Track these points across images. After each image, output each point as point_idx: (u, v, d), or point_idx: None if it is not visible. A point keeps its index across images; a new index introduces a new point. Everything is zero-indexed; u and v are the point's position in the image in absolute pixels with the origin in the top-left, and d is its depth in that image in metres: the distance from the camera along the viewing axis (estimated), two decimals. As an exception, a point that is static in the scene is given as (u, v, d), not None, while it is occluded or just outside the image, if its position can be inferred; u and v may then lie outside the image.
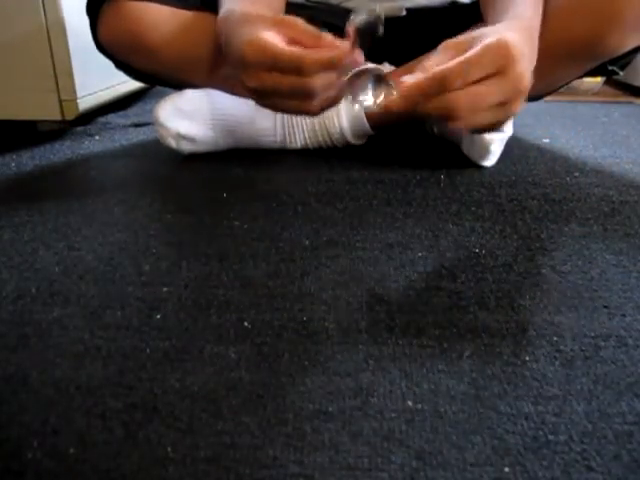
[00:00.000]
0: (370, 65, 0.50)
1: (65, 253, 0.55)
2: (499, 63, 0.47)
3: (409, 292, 0.49)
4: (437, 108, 0.47)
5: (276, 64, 0.51)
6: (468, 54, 0.46)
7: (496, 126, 0.52)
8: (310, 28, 0.53)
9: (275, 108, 0.57)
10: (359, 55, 0.50)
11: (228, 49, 0.57)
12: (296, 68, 0.50)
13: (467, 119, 0.48)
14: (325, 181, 0.75)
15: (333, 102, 0.55)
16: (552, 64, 0.73)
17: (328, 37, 0.52)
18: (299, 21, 0.53)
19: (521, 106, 0.50)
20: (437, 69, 0.46)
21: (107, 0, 0.74)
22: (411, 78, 0.47)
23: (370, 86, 0.50)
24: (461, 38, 0.49)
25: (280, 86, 0.52)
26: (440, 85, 0.46)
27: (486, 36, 0.48)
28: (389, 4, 0.87)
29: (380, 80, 0.50)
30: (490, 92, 0.47)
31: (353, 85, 0.51)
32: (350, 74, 0.49)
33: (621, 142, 0.98)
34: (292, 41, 0.53)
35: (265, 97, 0.56)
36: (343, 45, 0.50)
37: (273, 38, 0.52)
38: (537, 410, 0.35)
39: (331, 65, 0.51)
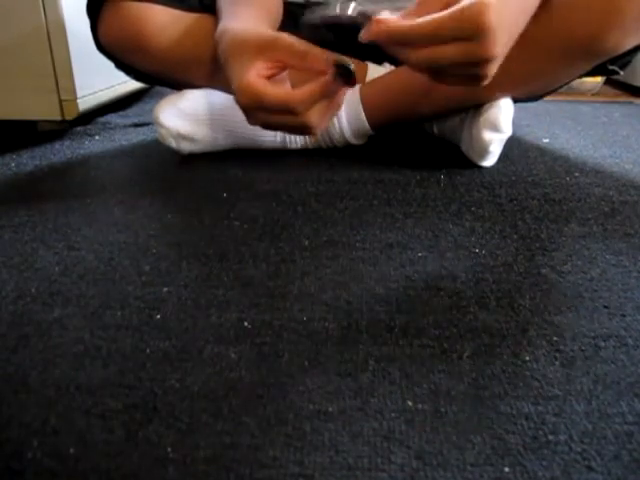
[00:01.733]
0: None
1: (65, 253, 0.55)
2: (470, 31, 0.45)
3: (409, 292, 0.49)
4: (398, 54, 0.48)
5: (269, 109, 0.54)
6: (442, 15, 0.45)
7: (467, 84, 0.50)
8: (295, 45, 0.54)
9: (282, 131, 0.59)
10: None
11: (226, 77, 0.58)
12: (287, 110, 0.53)
13: (427, 71, 0.48)
14: (325, 181, 0.75)
15: (333, 114, 0.57)
16: (552, 64, 0.73)
17: (313, 53, 0.53)
18: (283, 40, 0.54)
19: (493, 69, 0.48)
20: (406, 24, 0.45)
21: (107, 0, 0.74)
22: (384, 25, 0.46)
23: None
24: None
25: (280, 123, 0.55)
26: (406, 39, 0.46)
27: None
28: (389, 5, 0.87)
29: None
30: (454, 53, 0.46)
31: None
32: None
33: (621, 142, 0.98)
34: (282, 65, 0.55)
35: (270, 128, 0.58)
36: (328, 57, 0.51)
37: (258, 80, 0.53)
38: (537, 410, 0.35)
39: (319, 96, 0.52)
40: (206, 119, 0.80)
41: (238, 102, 0.56)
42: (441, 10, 0.45)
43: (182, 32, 0.76)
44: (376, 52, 0.60)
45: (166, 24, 0.75)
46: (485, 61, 0.47)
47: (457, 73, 0.48)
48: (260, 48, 0.55)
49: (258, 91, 0.53)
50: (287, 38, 0.54)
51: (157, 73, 0.80)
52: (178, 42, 0.76)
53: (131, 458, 0.32)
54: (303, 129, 0.56)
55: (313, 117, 0.54)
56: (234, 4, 0.68)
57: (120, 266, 0.53)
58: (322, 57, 0.52)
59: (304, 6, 0.89)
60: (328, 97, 0.53)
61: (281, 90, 0.54)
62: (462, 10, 0.44)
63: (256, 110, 0.55)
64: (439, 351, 0.41)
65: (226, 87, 0.80)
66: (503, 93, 0.76)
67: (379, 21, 0.46)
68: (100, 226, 0.61)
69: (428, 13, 0.46)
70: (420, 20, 0.45)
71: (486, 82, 0.50)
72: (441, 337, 0.43)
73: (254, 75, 0.54)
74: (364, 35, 0.47)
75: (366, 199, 0.69)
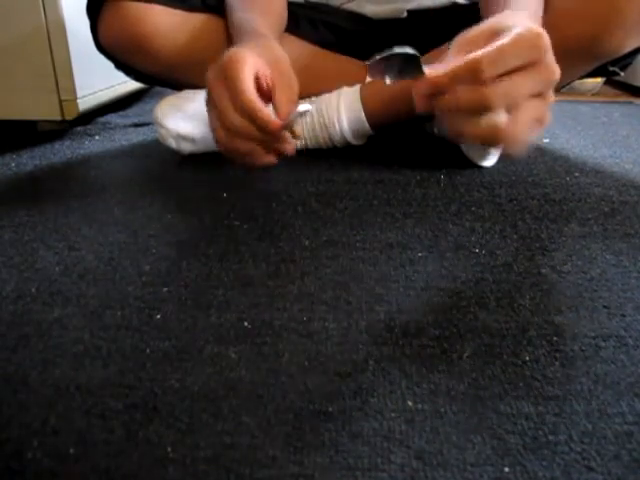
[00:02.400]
0: (398, 49, 0.45)
1: (65, 253, 0.55)
2: (533, 53, 0.43)
3: (409, 292, 0.49)
4: (469, 100, 0.43)
5: (233, 92, 0.56)
6: (500, 42, 0.42)
7: (536, 126, 0.46)
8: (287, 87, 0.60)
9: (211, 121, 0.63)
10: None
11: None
12: (240, 106, 0.56)
13: (501, 113, 0.43)
14: (325, 181, 0.75)
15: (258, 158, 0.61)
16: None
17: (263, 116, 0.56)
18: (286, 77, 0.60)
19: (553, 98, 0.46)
20: (470, 56, 0.42)
21: (107, 0, 0.74)
22: (440, 66, 0.44)
23: (397, 69, 0.46)
24: (475, 32, 0.45)
25: (221, 109, 0.58)
26: (473, 73, 0.42)
27: (507, 26, 0.44)
28: (390, 6, 0.87)
29: (410, 62, 0.45)
30: (526, 82, 0.43)
31: (380, 67, 0.47)
32: (378, 57, 0.45)
33: (621, 142, 0.98)
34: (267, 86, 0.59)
35: (212, 108, 0.61)
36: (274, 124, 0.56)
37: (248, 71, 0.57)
38: (537, 410, 0.35)
39: (264, 125, 0.56)
40: (206, 119, 0.80)
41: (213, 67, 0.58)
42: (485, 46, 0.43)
43: (183, 32, 0.76)
44: (376, 52, 0.61)
45: (167, 24, 0.75)
46: (552, 82, 0.45)
47: (529, 111, 0.44)
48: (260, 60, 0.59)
49: (242, 69, 0.56)
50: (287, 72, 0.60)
51: (157, 73, 0.80)
52: (179, 42, 0.76)
53: (131, 458, 0.32)
54: (226, 134, 0.59)
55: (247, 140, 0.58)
56: (248, 11, 0.69)
57: (120, 266, 0.53)
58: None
59: (304, 6, 0.89)
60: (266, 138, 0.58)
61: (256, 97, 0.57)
62: (521, 35, 0.42)
63: (221, 82, 0.57)
64: (439, 351, 0.41)
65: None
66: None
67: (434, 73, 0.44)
68: (100, 226, 0.61)
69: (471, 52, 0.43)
70: (480, 51, 0.42)
71: (546, 122, 0.47)
72: (441, 337, 0.43)
73: (251, 64, 0.57)
74: (422, 89, 0.45)
75: (366, 199, 0.69)
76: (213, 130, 0.61)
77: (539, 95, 0.45)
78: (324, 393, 0.37)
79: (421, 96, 0.45)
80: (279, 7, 0.77)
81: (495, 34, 0.44)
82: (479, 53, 0.42)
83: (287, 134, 0.58)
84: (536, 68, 0.43)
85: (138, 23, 0.74)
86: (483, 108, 0.43)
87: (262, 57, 0.59)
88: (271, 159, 0.61)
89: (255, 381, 0.38)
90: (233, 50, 0.58)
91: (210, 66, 0.58)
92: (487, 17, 0.63)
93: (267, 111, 0.56)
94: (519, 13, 0.51)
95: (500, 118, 0.43)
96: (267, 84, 0.59)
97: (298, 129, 0.57)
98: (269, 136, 0.57)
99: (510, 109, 0.43)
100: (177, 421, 0.34)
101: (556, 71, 0.44)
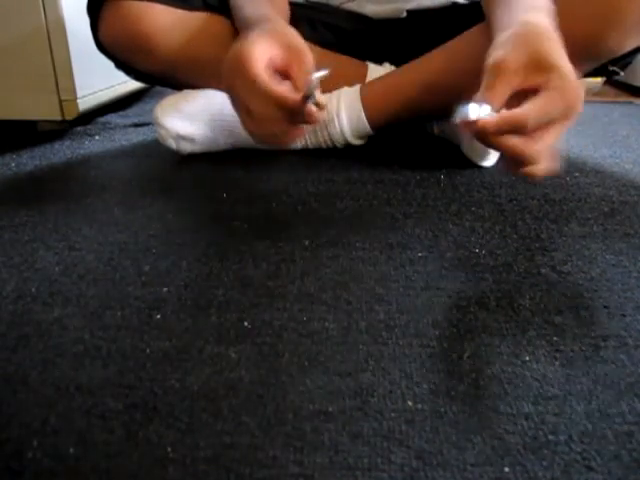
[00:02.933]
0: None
1: (65, 253, 0.55)
2: (572, 110, 0.48)
3: (409, 292, 0.49)
4: (509, 147, 0.48)
5: (247, 78, 0.56)
6: (543, 101, 0.47)
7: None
8: (305, 54, 0.59)
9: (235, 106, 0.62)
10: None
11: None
12: (259, 90, 0.56)
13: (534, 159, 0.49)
14: (325, 181, 0.75)
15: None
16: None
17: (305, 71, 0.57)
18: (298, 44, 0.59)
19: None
20: (517, 112, 0.47)
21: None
22: (484, 103, 0.48)
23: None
24: (514, 57, 0.48)
25: (242, 94, 0.58)
26: (519, 127, 0.47)
27: (547, 57, 0.48)
28: (390, 6, 0.87)
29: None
30: (559, 129, 0.49)
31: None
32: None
33: (621, 142, 0.98)
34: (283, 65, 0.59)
35: (231, 92, 0.60)
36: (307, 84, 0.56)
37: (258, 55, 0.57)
38: (537, 410, 0.35)
39: (285, 102, 0.56)
40: (206, 119, 0.80)
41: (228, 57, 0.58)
42: (519, 84, 0.48)
43: (184, 32, 0.76)
44: (376, 52, 0.61)
45: (168, 23, 0.75)
46: (574, 119, 0.50)
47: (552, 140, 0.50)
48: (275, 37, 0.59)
49: (251, 57, 0.56)
50: (302, 46, 0.59)
51: (157, 73, 0.80)
52: (179, 41, 0.76)
53: (131, 458, 0.32)
54: (253, 121, 0.59)
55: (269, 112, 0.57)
56: (256, 6, 0.70)
57: (120, 266, 0.53)
58: (304, 78, 0.56)
59: (303, 6, 0.89)
60: (292, 115, 0.57)
61: (269, 78, 0.56)
62: (564, 91, 0.47)
63: (235, 75, 0.57)
64: (439, 351, 0.41)
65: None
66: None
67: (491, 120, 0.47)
68: (100, 226, 0.61)
69: (507, 85, 0.48)
70: (526, 107, 0.47)
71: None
72: (441, 337, 0.43)
73: (260, 49, 0.57)
74: (471, 130, 0.48)
75: (366, 199, 0.69)
76: (243, 122, 0.61)
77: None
78: (324, 393, 0.37)
79: (468, 135, 0.49)
80: (282, 4, 0.77)
81: (536, 67, 0.48)
82: (525, 110, 0.47)
83: (311, 106, 0.57)
84: (568, 117, 0.49)
85: (138, 22, 0.74)
86: (523, 157, 0.49)
87: (272, 37, 0.59)
88: (301, 133, 0.62)
89: (255, 381, 0.38)
90: (241, 41, 0.58)
91: (223, 63, 0.59)
92: (490, 15, 0.63)
93: (283, 88, 0.56)
94: (539, 15, 0.53)
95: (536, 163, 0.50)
96: (281, 63, 0.59)
97: (321, 98, 0.57)
98: (293, 112, 0.57)
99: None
100: (177, 421, 0.34)
101: (580, 108, 0.49)
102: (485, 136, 0.48)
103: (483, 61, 0.50)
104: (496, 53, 0.49)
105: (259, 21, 0.64)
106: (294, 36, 0.61)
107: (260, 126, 0.59)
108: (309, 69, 0.58)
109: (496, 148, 0.50)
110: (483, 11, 0.67)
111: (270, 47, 0.58)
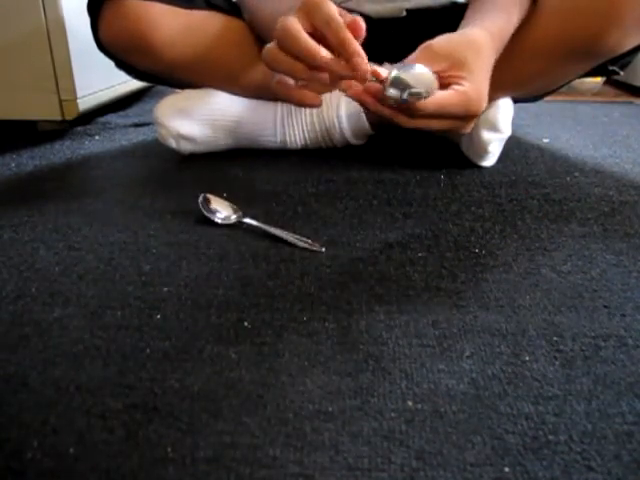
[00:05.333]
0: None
1: (65, 253, 0.55)
2: (464, 114, 0.58)
3: (409, 292, 0.49)
4: (387, 113, 0.58)
5: (293, 49, 0.53)
6: (445, 100, 0.56)
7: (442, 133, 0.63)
8: (334, 20, 0.54)
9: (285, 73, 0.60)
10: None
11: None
12: (308, 56, 0.53)
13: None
14: (325, 181, 0.75)
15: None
16: (552, 64, 0.73)
17: (343, 37, 0.53)
18: (328, 7, 0.55)
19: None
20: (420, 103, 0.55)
21: (108, -1, 0.74)
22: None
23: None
24: (440, 46, 0.58)
25: (288, 66, 0.55)
26: (417, 112, 0.56)
27: (467, 68, 0.57)
28: (390, 5, 0.87)
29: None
30: (442, 124, 0.59)
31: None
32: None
33: (621, 142, 0.98)
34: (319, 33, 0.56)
35: (277, 67, 0.57)
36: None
37: (299, 27, 0.54)
38: (537, 410, 0.35)
39: (337, 67, 0.54)
40: (206, 119, 0.80)
41: (276, 31, 0.56)
42: (442, 68, 0.56)
43: (184, 30, 0.76)
44: (375, 52, 0.61)
45: (167, 22, 0.75)
46: (461, 129, 0.62)
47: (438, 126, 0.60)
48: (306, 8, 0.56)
49: (296, 31, 0.53)
50: (332, 8, 0.55)
51: (158, 72, 0.80)
52: (180, 41, 0.76)
53: (131, 458, 0.32)
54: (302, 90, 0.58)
55: (324, 77, 0.56)
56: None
57: (120, 266, 0.53)
58: (349, 48, 0.53)
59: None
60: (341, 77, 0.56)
61: (312, 40, 0.54)
62: (466, 96, 0.57)
63: (280, 45, 0.55)
64: (439, 351, 0.41)
65: (227, 87, 0.81)
66: (504, 93, 0.76)
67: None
68: (100, 226, 0.61)
69: (429, 62, 0.56)
70: (429, 101, 0.55)
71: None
72: (441, 337, 0.43)
73: (297, 21, 0.55)
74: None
75: (366, 199, 0.69)
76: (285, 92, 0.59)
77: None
78: (324, 393, 0.37)
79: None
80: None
81: (453, 64, 0.57)
82: (428, 102, 0.55)
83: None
84: (457, 121, 0.59)
85: (139, 21, 0.73)
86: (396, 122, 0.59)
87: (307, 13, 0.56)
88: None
89: (255, 381, 0.38)
90: (281, 20, 0.56)
91: (263, 50, 0.57)
92: (464, 23, 0.67)
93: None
94: (481, 33, 0.61)
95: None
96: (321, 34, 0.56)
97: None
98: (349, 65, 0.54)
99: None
100: (177, 421, 0.34)
101: (468, 130, 0.62)
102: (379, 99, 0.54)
103: None
104: (429, 41, 0.58)
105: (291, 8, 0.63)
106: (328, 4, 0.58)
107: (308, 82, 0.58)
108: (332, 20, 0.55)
109: (381, 111, 0.58)
110: None
111: (310, 20, 0.55)
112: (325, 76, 0.56)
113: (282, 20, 0.55)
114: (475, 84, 0.57)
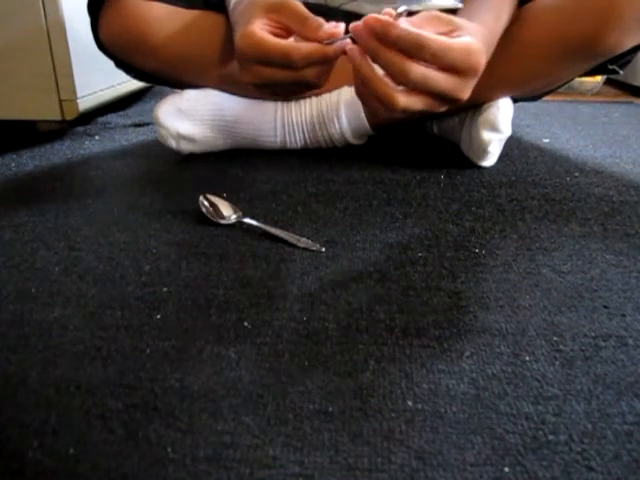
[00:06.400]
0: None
1: (65, 253, 0.55)
2: (465, 66, 0.50)
3: (409, 292, 0.49)
4: (390, 63, 0.48)
5: (268, 59, 0.54)
6: (452, 41, 0.49)
7: (418, 115, 0.54)
8: (298, 10, 0.55)
9: (275, 96, 0.60)
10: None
11: (234, 41, 0.59)
12: (286, 63, 0.54)
13: (405, 92, 0.50)
14: (325, 181, 0.75)
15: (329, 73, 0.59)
16: (551, 63, 0.73)
17: (311, 21, 0.54)
18: (289, 4, 0.56)
19: (443, 109, 0.54)
20: (414, 30, 0.47)
21: (108, -2, 0.74)
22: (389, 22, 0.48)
23: None
24: (445, 15, 0.52)
25: (274, 78, 0.56)
26: (414, 45, 0.47)
27: (466, 31, 0.52)
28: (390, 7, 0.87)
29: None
30: (440, 81, 0.50)
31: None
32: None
33: (621, 142, 0.98)
34: (286, 29, 0.56)
35: (263, 87, 0.59)
36: (328, 27, 0.54)
37: (261, 31, 0.55)
38: (537, 410, 0.35)
39: (319, 57, 0.54)
40: (206, 119, 0.80)
41: (237, 51, 0.56)
42: (443, 32, 0.50)
43: (184, 30, 0.76)
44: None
45: (168, 22, 0.75)
46: (455, 98, 0.52)
47: (420, 104, 0.52)
48: (267, 9, 0.56)
49: (260, 39, 0.54)
50: (292, 3, 0.56)
51: (157, 71, 0.80)
52: (180, 41, 0.76)
53: (131, 458, 0.32)
54: (298, 86, 0.57)
55: (310, 73, 0.55)
56: None
57: (120, 266, 0.53)
58: (318, 28, 0.54)
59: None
60: (327, 62, 0.55)
61: (283, 41, 0.55)
62: (469, 45, 0.50)
63: (254, 61, 0.55)
64: (439, 351, 0.41)
65: (227, 86, 0.81)
66: (503, 93, 0.76)
67: (388, 21, 0.48)
68: (100, 226, 0.61)
69: (430, 24, 0.51)
70: (431, 35, 0.48)
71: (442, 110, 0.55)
72: (441, 337, 0.43)
73: (258, 26, 0.55)
74: (364, 24, 0.49)
75: (366, 199, 0.69)
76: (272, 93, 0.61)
77: (441, 99, 0.52)
78: (324, 393, 0.37)
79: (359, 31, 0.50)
80: None
81: (455, 28, 0.51)
82: (430, 36, 0.48)
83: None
84: (457, 77, 0.50)
85: (139, 20, 0.74)
86: (397, 75, 0.49)
87: (266, 4, 0.57)
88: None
89: (255, 381, 0.38)
90: (239, 34, 0.57)
91: (236, 61, 0.58)
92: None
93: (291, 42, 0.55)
94: (477, 27, 0.57)
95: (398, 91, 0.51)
96: (282, 28, 0.57)
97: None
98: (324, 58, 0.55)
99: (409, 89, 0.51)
100: (177, 421, 0.34)
101: (465, 95, 0.52)
102: (385, 35, 0.47)
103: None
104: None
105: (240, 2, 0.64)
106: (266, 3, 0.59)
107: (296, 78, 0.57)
108: (297, 12, 0.56)
109: (381, 60, 0.49)
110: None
111: (269, 20, 0.57)
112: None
113: (242, 32, 0.55)
114: (477, 40, 0.52)
